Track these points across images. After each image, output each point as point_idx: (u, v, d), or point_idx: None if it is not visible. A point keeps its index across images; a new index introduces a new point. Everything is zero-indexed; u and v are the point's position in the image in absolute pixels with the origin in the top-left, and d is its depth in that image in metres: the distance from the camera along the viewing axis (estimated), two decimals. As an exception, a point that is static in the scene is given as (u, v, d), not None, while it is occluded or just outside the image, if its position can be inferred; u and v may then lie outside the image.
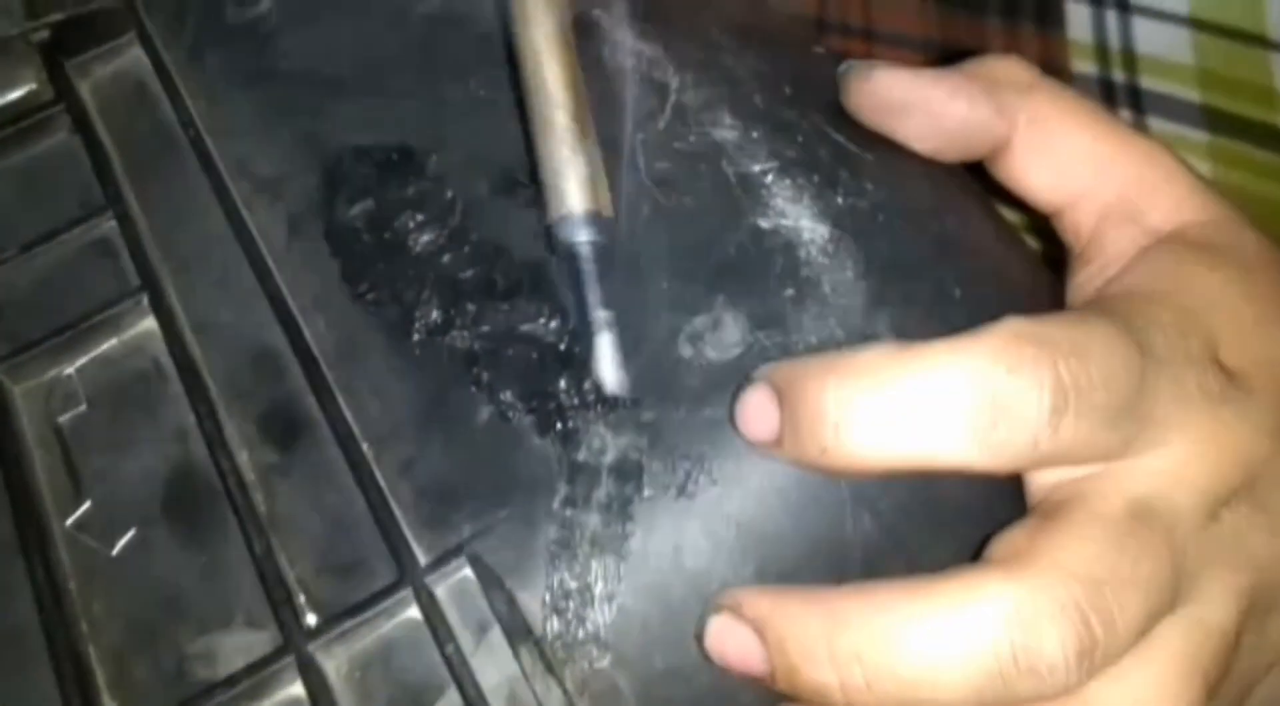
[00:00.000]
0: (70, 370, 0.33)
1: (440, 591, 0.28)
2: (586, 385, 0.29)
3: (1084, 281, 0.32)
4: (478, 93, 0.34)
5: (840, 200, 0.31)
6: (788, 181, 0.31)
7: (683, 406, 0.29)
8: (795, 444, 0.27)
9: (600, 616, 0.28)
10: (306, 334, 0.32)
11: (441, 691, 0.27)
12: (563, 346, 0.30)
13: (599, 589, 0.28)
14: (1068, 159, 0.32)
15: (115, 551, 0.30)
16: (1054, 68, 0.53)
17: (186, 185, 0.35)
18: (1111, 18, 0.55)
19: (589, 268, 0.29)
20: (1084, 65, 0.55)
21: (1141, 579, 0.26)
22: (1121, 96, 0.55)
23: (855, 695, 0.26)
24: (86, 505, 0.31)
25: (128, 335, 0.34)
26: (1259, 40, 0.48)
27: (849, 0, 0.58)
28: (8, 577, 0.30)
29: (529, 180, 0.32)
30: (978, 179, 0.34)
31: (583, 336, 0.29)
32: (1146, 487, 0.27)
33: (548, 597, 0.28)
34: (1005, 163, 0.32)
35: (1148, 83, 0.55)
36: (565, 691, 0.27)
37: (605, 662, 0.27)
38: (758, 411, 0.28)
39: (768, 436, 0.27)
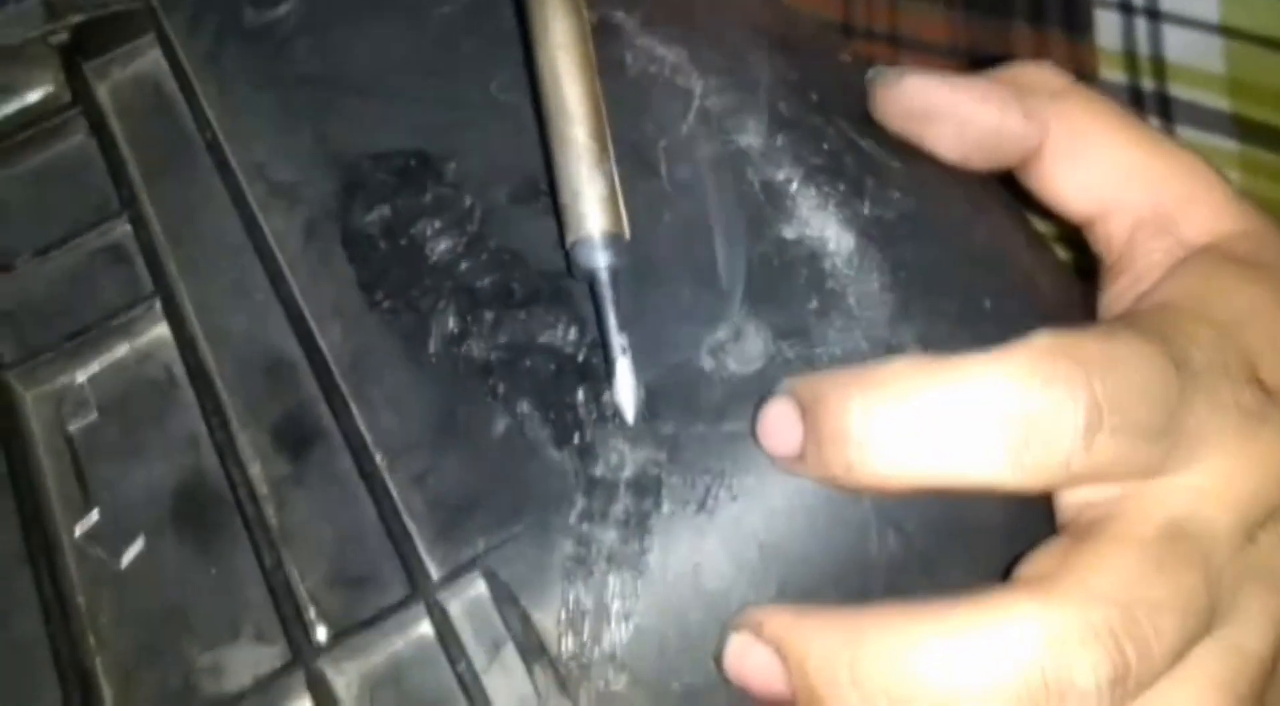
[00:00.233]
0: (82, 377, 0.33)
1: (453, 607, 0.27)
2: (605, 397, 0.29)
3: (1117, 294, 0.31)
4: (497, 98, 0.34)
5: (867, 209, 0.30)
6: (813, 190, 0.30)
7: (703, 420, 0.28)
8: (818, 460, 0.26)
9: (617, 635, 0.27)
10: (321, 342, 0.31)
11: (453, 710, 0.26)
12: (580, 357, 0.29)
13: (615, 607, 0.27)
14: (1100, 168, 0.31)
15: (124, 562, 0.30)
16: (1082, 75, 0.52)
17: (202, 189, 0.35)
18: (1141, 25, 0.54)
19: (607, 292, 0.29)
20: (1112, 73, 0.55)
21: (1177, 602, 0.25)
22: (1150, 104, 0.54)
23: (878, 717, 0.25)
24: (95, 514, 0.31)
25: (140, 342, 0.33)
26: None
27: (875, 5, 0.57)
28: (15, 587, 0.29)
29: (548, 189, 0.31)
30: (1007, 188, 0.33)
31: (604, 361, 0.29)
32: (1181, 507, 0.26)
33: (563, 615, 0.27)
34: (1036, 171, 0.31)
35: (1177, 91, 0.54)
36: (580, 711, 0.26)
37: (621, 683, 0.27)
38: (780, 425, 0.27)
39: (790, 451, 0.27)
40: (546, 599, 0.27)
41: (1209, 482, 0.26)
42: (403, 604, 0.27)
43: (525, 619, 0.27)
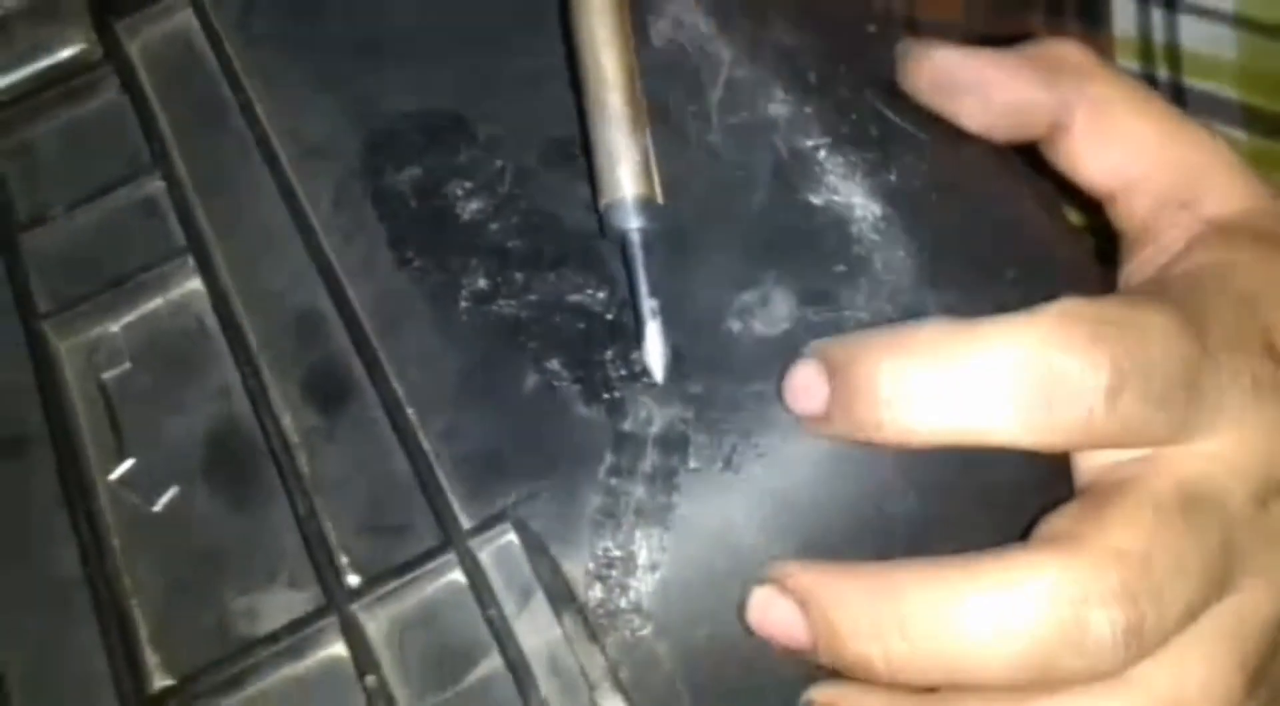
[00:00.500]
0: (115, 328, 0.33)
1: (484, 555, 0.28)
2: (634, 356, 0.29)
3: (1137, 267, 0.32)
4: (528, 61, 0.34)
5: (893, 178, 0.31)
6: (840, 158, 0.31)
7: (730, 380, 0.29)
8: (845, 418, 0.27)
9: (643, 585, 0.27)
10: (352, 298, 0.32)
11: (484, 654, 0.27)
12: (610, 316, 0.30)
13: (642, 558, 0.28)
14: (1124, 144, 0.31)
15: (157, 508, 0.30)
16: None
17: (233, 147, 0.35)
18: (1157, 14, 0.55)
19: (639, 254, 0.29)
20: (1127, 61, 0.55)
21: (1191, 563, 0.26)
22: (1164, 94, 0.54)
23: (898, 667, 0.25)
24: (129, 461, 0.31)
25: (173, 295, 0.34)
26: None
27: (893, -11, 0.58)
28: (54, 530, 0.30)
29: (580, 152, 0.32)
30: (1033, 166, 0.33)
31: (634, 322, 0.29)
32: (1198, 473, 0.27)
33: (591, 565, 0.28)
34: (1061, 146, 0.32)
35: (1191, 80, 0.55)
36: (607, 658, 0.27)
37: (647, 631, 0.27)
38: (807, 386, 0.27)
39: (816, 411, 0.27)
40: (575, 549, 0.28)
41: (1225, 450, 0.27)
42: (435, 551, 0.28)
43: (555, 568, 0.27)
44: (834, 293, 0.29)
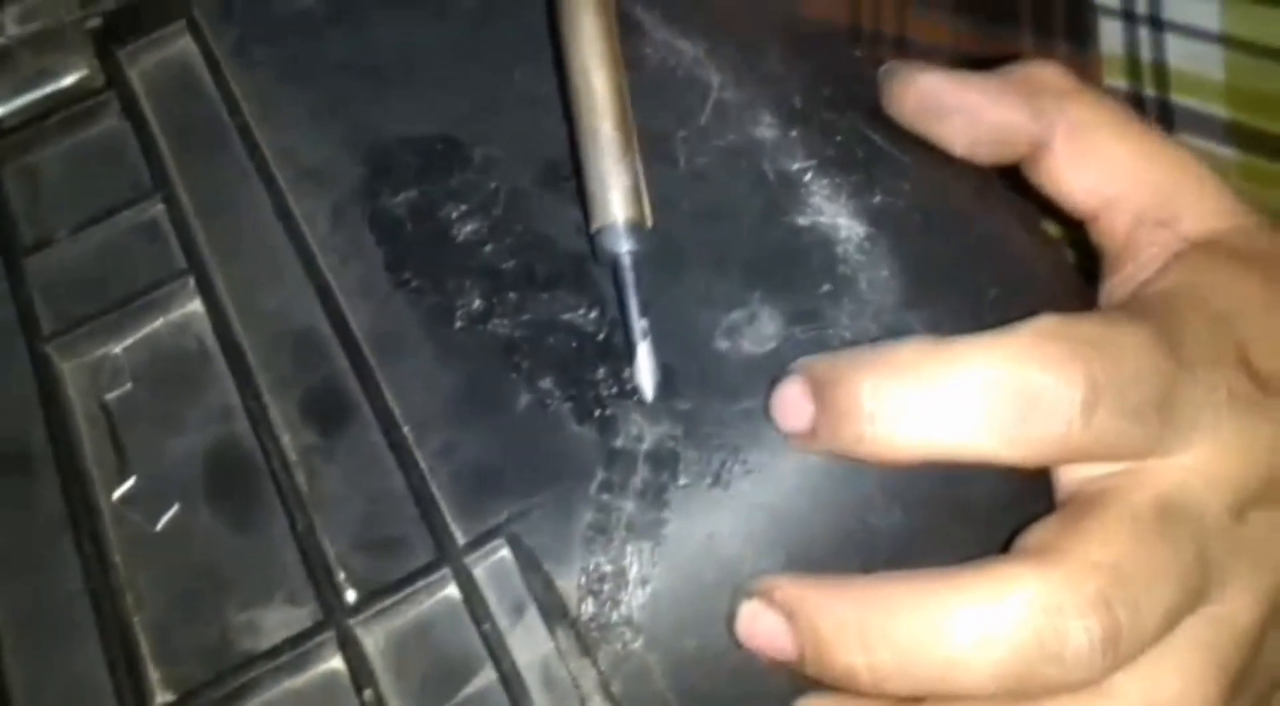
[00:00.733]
0: (117, 349, 0.34)
1: (478, 571, 0.28)
2: (624, 374, 0.30)
3: (1116, 285, 0.33)
4: (523, 85, 0.35)
5: (877, 199, 0.31)
6: (826, 180, 0.32)
7: (719, 397, 0.29)
8: (830, 433, 0.27)
9: (634, 599, 0.28)
10: (350, 319, 0.32)
11: (478, 668, 0.28)
12: (601, 336, 0.31)
13: (633, 572, 0.28)
14: (1104, 164, 0.32)
15: (159, 526, 0.31)
16: (1085, 81, 0.53)
17: (233, 171, 0.36)
18: (1144, 33, 0.55)
19: (630, 277, 0.30)
20: (1115, 80, 0.56)
21: (1168, 574, 0.26)
22: (1151, 111, 0.55)
23: (883, 678, 0.26)
24: (132, 480, 0.32)
25: (174, 316, 0.34)
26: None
27: (883, 10, 0.59)
28: (57, 549, 0.30)
29: (572, 174, 0.33)
30: (1015, 185, 0.34)
31: (624, 342, 0.30)
32: (1174, 486, 0.27)
33: (583, 580, 0.28)
34: (1042, 167, 0.33)
35: (1178, 99, 0.55)
36: (599, 671, 0.27)
37: (638, 644, 0.28)
38: (793, 403, 0.28)
39: (802, 427, 0.28)
40: (568, 564, 0.28)
41: (1201, 463, 0.28)
42: (430, 567, 0.28)
43: (548, 583, 0.28)
44: (820, 312, 0.30)
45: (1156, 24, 0.55)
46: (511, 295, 0.32)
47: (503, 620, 0.28)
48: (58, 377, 0.33)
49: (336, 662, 0.28)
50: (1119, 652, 0.25)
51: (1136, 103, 0.55)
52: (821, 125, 0.33)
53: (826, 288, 0.30)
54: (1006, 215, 0.33)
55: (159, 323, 0.34)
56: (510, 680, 0.27)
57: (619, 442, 0.29)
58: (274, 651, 0.28)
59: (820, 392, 0.28)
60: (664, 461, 0.29)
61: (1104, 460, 0.27)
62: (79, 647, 0.29)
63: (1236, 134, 0.54)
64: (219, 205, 0.36)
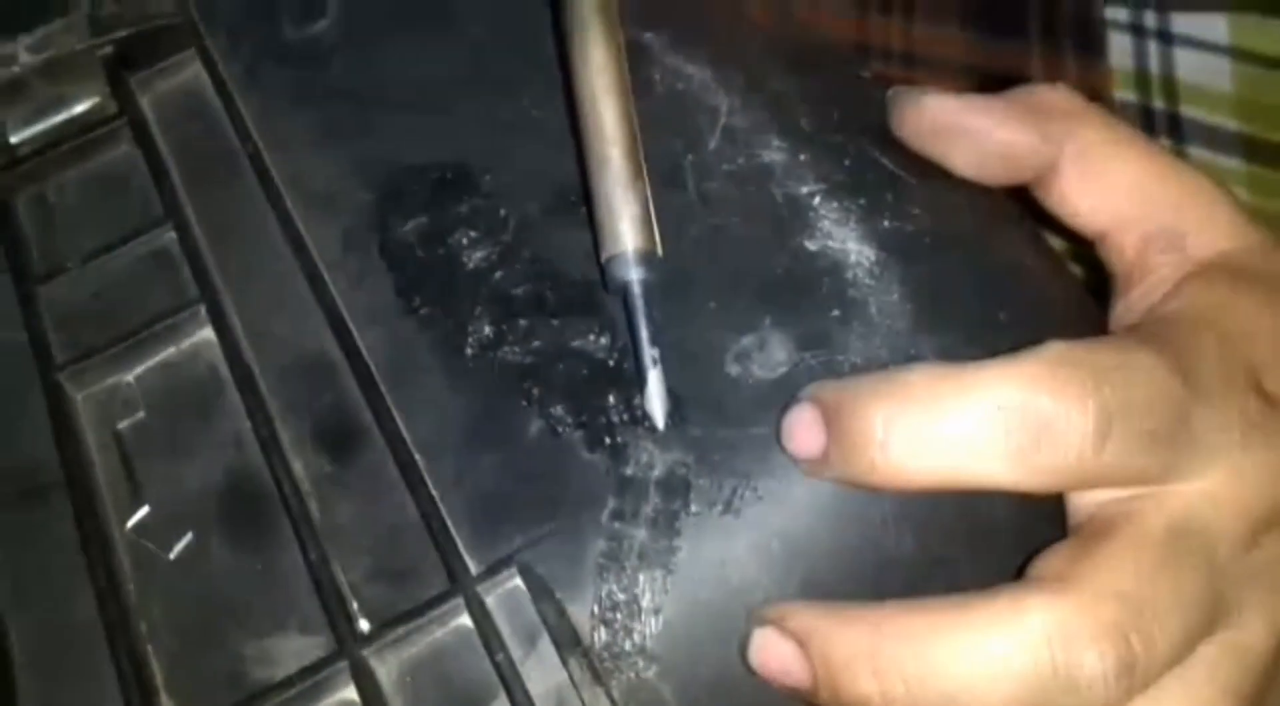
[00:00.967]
0: (130, 377, 0.34)
1: (491, 600, 0.28)
2: (635, 401, 0.30)
3: (1127, 307, 0.32)
4: (531, 112, 0.35)
5: (887, 223, 0.31)
6: (835, 204, 0.32)
7: (729, 424, 0.29)
8: (842, 460, 0.27)
9: (647, 628, 0.28)
10: (361, 346, 0.32)
11: (492, 697, 0.28)
12: (611, 363, 0.31)
13: (646, 601, 0.28)
14: (1113, 186, 0.32)
15: (172, 555, 0.31)
16: (1095, 95, 0.53)
17: (244, 199, 0.36)
18: (1153, 46, 0.55)
19: (640, 305, 0.30)
20: (1124, 93, 0.56)
21: (1181, 600, 0.26)
22: (1161, 124, 0.55)
23: (897, 707, 0.26)
24: (145, 509, 0.32)
25: (185, 344, 0.35)
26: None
27: (891, 25, 0.59)
28: (71, 577, 0.31)
29: (581, 203, 0.33)
30: (1022, 205, 0.34)
31: (635, 369, 0.30)
32: (1187, 511, 0.27)
33: (596, 608, 0.28)
34: (1051, 188, 0.33)
35: (1188, 111, 0.55)
36: (612, 700, 0.27)
37: (651, 673, 0.28)
38: (805, 429, 0.28)
39: (814, 453, 0.28)
40: (580, 593, 0.28)
41: (1214, 488, 0.28)
42: (442, 596, 0.28)
43: (560, 612, 0.28)
44: (830, 337, 0.30)
45: (1165, 37, 0.55)
46: (522, 322, 0.32)
47: (516, 649, 0.28)
48: (70, 406, 0.34)
49: (350, 693, 0.28)
50: (1134, 680, 0.25)
51: (1146, 115, 0.55)
52: (830, 149, 0.33)
53: (836, 313, 0.30)
54: (1016, 238, 0.33)
55: (171, 351, 0.35)
56: (524, 710, 0.27)
57: (630, 470, 0.29)
58: (287, 681, 0.28)
59: (832, 419, 0.28)
60: (675, 489, 0.29)
61: (1116, 486, 0.27)
62: (93, 677, 0.29)
63: (1246, 146, 0.54)
64: (230, 232, 0.36)
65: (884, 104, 0.34)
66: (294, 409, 0.33)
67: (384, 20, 0.38)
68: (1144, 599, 0.26)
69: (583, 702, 0.27)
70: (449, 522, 0.29)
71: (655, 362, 0.29)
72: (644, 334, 0.30)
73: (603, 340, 0.31)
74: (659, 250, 0.31)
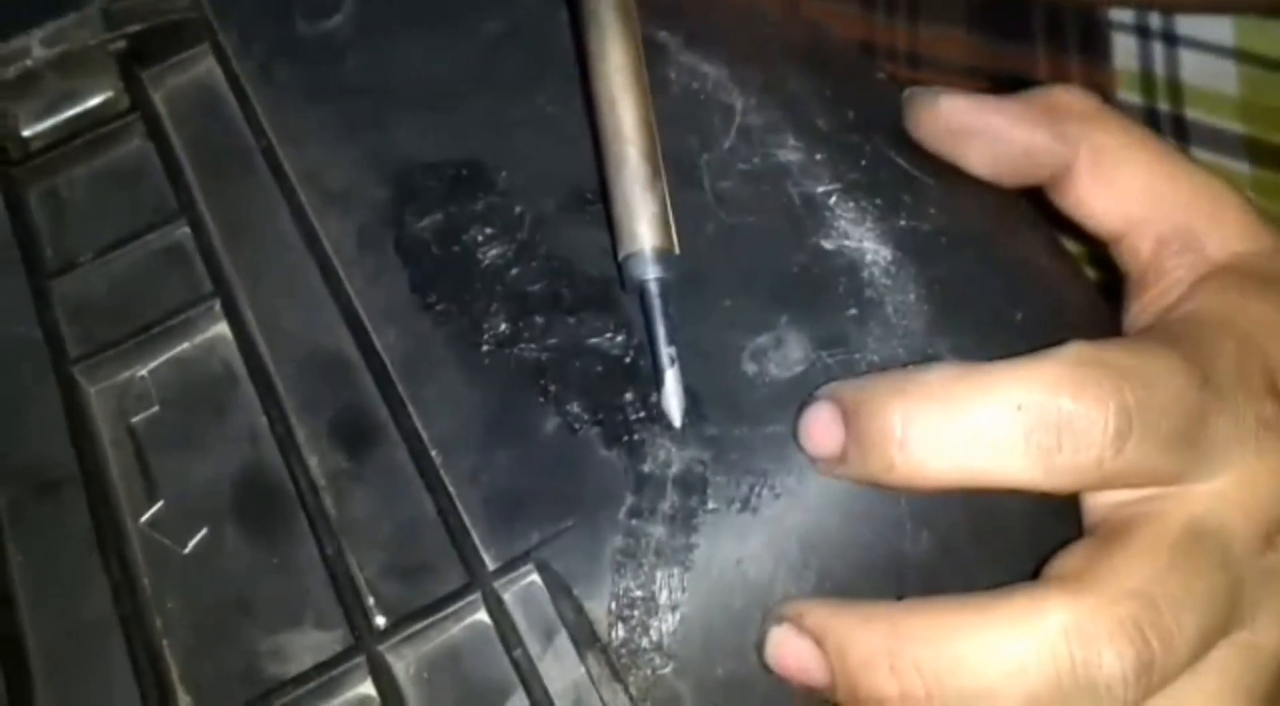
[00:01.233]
0: (144, 372, 0.34)
1: (508, 596, 0.28)
2: (652, 398, 0.30)
3: (1141, 308, 0.33)
4: (546, 108, 0.35)
5: (903, 223, 0.31)
6: (851, 203, 0.32)
7: (746, 422, 0.29)
8: (860, 459, 0.27)
9: (664, 625, 0.28)
10: (376, 342, 0.32)
11: (509, 694, 0.28)
12: (628, 359, 0.31)
13: (663, 598, 0.28)
14: (1127, 188, 0.32)
15: (187, 550, 0.31)
16: (1099, 97, 0.53)
17: (258, 194, 0.36)
18: (1158, 48, 0.56)
19: (658, 303, 0.30)
20: (1129, 95, 0.56)
21: (1198, 600, 0.26)
22: (1166, 126, 0.55)
23: (914, 705, 0.26)
24: (159, 504, 0.32)
25: (200, 339, 0.35)
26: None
27: (896, 26, 0.59)
28: (86, 571, 0.31)
29: (597, 199, 0.33)
30: (1037, 207, 0.34)
31: (652, 367, 0.30)
32: (1204, 512, 0.27)
33: (613, 605, 0.28)
34: (1066, 190, 0.33)
35: (1193, 114, 0.55)
36: (630, 697, 0.27)
37: (668, 670, 0.28)
38: (822, 428, 0.28)
39: (831, 452, 0.28)
40: (598, 590, 0.28)
41: (1230, 490, 0.28)
42: (460, 592, 0.28)
43: (578, 608, 0.28)
44: (846, 336, 0.30)
45: (1170, 39, 0.56)
46: (538, 319, 0.32)
47: (533, 646, 0.28)
48: (84, 401, 0.34)
49: (366, 688, 0.28)
50: (1152, 680, 0.25)
51: (1151, 118, 0.55)
52: (846, 148, 0.33)
53: (853, 312, 0.30)
54: (1032, 238, 0.34)
55: (185, 346, 0.35)
56: (542, 706, 0.27)
57: (647, 467, 0.29)
58: (303, 677, 0.28)
59: (850, 418, 0.28)
60: (692, 486, 0.29)
61: (1134, 486, 0.27)
62: (108, 672, 0.29)
63: (1250, 148, 0.54)
64: (244, 227, 0.36)
65: (899, 104, 0.34)
66: (309, 404, 0.32)
67: (398, 16, 0.38)
68: (1161, 598, 0.26)
69: (600, 699, 0.27)
70: (466, 518, 0.29)
71: (673, 361, 0.29)
72: (661, 332, 0.30)
73: (619, 337, 0.31)
74: (677, 249, 0.31)
